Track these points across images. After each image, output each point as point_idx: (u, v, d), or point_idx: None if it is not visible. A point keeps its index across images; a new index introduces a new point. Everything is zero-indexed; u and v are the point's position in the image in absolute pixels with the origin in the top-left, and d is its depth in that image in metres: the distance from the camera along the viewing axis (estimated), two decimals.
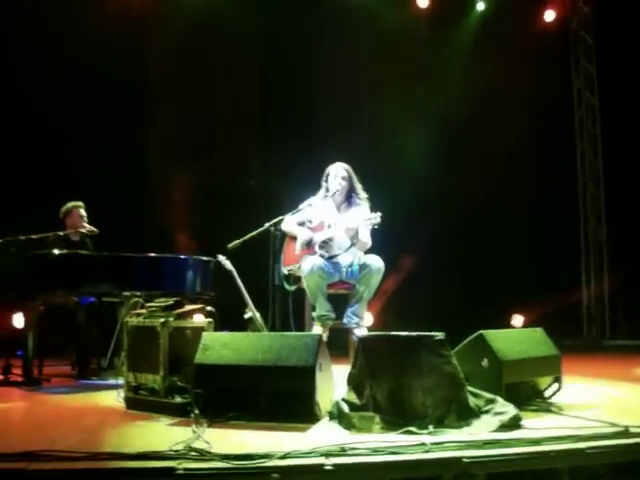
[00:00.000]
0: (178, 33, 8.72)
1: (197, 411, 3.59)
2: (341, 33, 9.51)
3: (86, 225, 6.41)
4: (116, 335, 5.54)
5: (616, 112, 10.20)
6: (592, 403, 4.11)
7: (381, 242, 5.69)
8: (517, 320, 7.67)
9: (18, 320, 5.60)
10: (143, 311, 4.29)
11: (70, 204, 6.56)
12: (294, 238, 5.66)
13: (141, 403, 4.06)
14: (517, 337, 4.23)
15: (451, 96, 9.63)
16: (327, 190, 5.74)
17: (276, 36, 9.49)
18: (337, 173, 5.74)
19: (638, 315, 10.12)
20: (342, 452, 2.76)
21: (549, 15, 10.68)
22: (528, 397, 4.03)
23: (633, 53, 9.57)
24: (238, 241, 5.12)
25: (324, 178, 5.82)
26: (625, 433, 3.08)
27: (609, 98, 10.51)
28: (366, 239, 5.58)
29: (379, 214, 5.25)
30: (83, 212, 6.51)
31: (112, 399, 4.32)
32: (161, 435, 3.26)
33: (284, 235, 5.60)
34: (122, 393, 4.25)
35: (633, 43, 9.48)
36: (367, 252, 5.62)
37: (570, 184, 11.00)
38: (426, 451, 2.79)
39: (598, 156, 10.90)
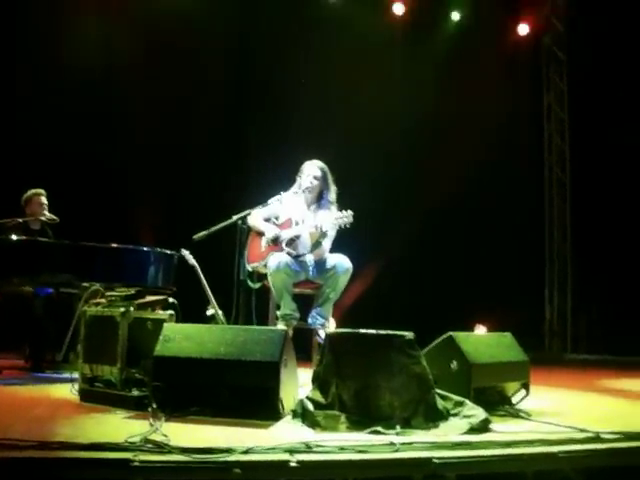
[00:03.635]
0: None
1: (155, 405, 3.44)
2: (316, 38, 9.43)
3: (46, 213, 6.23)
4: (72, 328, 5.35)
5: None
6: (560, 410, 4.05)
7: (348, 241, 5.56)
8: (480, 330, 7.66)
9: None
10: (102, 300, 4.13)
11: (31, 192, 6.38)
12: (259, 234, 5.49)
13: (96, 396, 3.90)
14: (486, 341, 4.19)
15: (421, 99, 9.60)
16: (300, 187, 5.57)
17: (249, 37, 9.36)
18: (311, 171, 5.61)
19: (599, 330, 10.18)
20: (307, 449, 2.64)
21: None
22: (495, 402, 3.96)
23: (603, 42, 9.63)
24: (204, 233, 4.96)
25: (299, 173, 5.68)
26: (597, 439, 3.02)
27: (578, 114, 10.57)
28: (326, 247, 5.47)
29: (350, 213, 5.12)
30: (44, 200, 6.33)
31: (66, 391, 4.17)
32: (116, 427, 3.13)
33: (250, 230, 5.44)
34: (77, 385, 4.09)
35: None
36: (334, 252, 5.50)
37: (537, 198, 11.04)
38: (395, 450, 2.69)
39: (566, 171, 10.93)
